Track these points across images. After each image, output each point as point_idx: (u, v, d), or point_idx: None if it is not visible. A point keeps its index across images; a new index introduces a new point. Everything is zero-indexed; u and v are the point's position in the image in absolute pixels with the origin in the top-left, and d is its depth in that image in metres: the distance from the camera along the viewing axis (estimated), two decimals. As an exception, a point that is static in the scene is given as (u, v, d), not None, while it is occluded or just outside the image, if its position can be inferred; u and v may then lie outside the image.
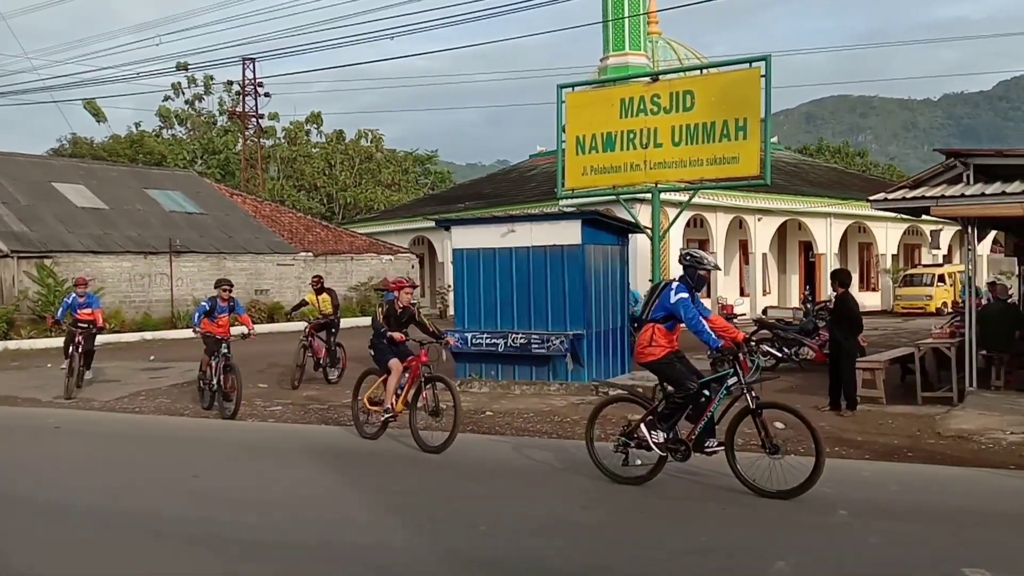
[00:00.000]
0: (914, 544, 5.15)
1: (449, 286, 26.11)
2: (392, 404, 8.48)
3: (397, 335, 8.60)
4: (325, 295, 13.74)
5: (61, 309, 13.52)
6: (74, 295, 13.41)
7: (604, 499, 6.37)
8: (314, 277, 14.18)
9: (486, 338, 12.10)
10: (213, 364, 10.78)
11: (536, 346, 11.83)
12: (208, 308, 11.11)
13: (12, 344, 21.21)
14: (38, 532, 5.80)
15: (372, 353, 8.82)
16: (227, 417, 10.41)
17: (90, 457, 8.66)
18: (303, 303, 14.19)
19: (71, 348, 12.69)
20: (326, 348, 13.51)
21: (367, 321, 29.43)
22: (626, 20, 33.39)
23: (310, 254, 30.22)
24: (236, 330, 11.38)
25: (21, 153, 30.17)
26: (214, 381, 10.74)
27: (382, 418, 8.58)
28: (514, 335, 11.98)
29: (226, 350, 10.70)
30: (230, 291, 11.31)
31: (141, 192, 29.72)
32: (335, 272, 30.50)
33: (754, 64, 10.87)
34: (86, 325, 13.04)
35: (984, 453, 7.59)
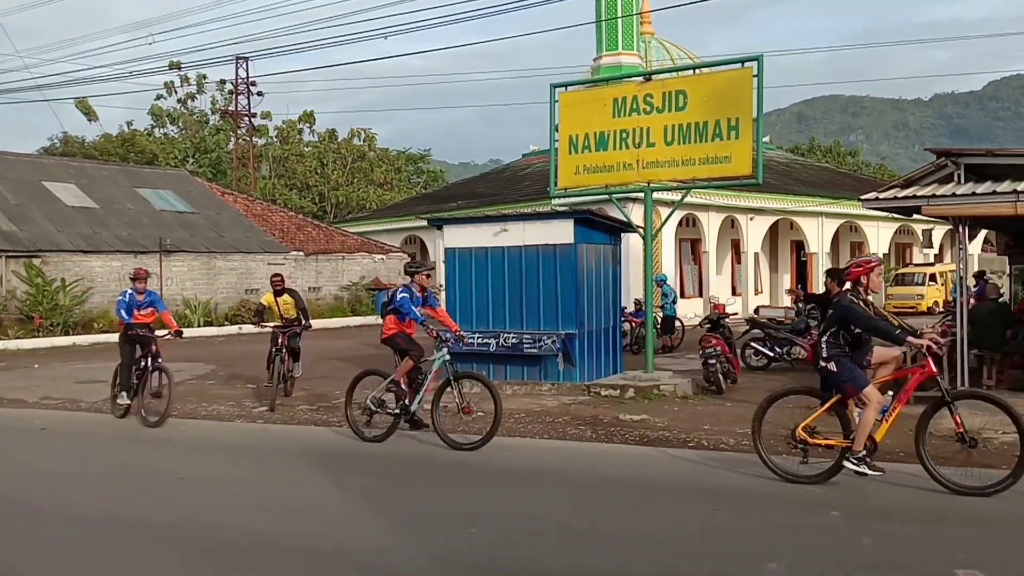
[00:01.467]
0: (906, 545, 5.13)
1: (441, 285, 26.07)
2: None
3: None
4: (287, 297, 11.79)
5: (121, 310, 10.32)
6: (131, 291, 10.44)
7: (595, 500, 6.34)
8: (274, 276, 12.12)
9: (478, 338, 12.05)
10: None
11: (528, 346, 11.80)
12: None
13: None
14: (22, 534, 5.73)
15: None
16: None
17: (76, 459, 8.58)
18: (262, 308, 11.97)
19: (141, 359, 10.38)
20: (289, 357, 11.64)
21: (360, 321, 29.30)
22: (619, 20, 33.37)
23: (301, 253, 30.12)
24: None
25: (11, 152, 30.02)
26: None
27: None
28: (506, 335, 11.95)
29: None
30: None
31: (132, 191, 29.57)
32: (326, 271, 30.42)
33: (746, 64, 10.84)
34: (143, 330, 10.39)
35: (976, 453, 7.57)
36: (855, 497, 6.23)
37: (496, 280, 12.21)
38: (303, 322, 11.78)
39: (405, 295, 8.72)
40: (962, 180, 10.29)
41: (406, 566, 4.97)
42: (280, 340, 11.46)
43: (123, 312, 10.34)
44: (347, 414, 8.92)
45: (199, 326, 25.48)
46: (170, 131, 53.22)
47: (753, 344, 14.63)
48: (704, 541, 5.28)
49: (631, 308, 17.79)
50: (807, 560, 4.93)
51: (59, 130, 75.00)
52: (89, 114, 50.12)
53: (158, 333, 10.49)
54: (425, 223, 18.93)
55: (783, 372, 13.69)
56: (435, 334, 8.64)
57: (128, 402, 10.35)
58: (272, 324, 11.74)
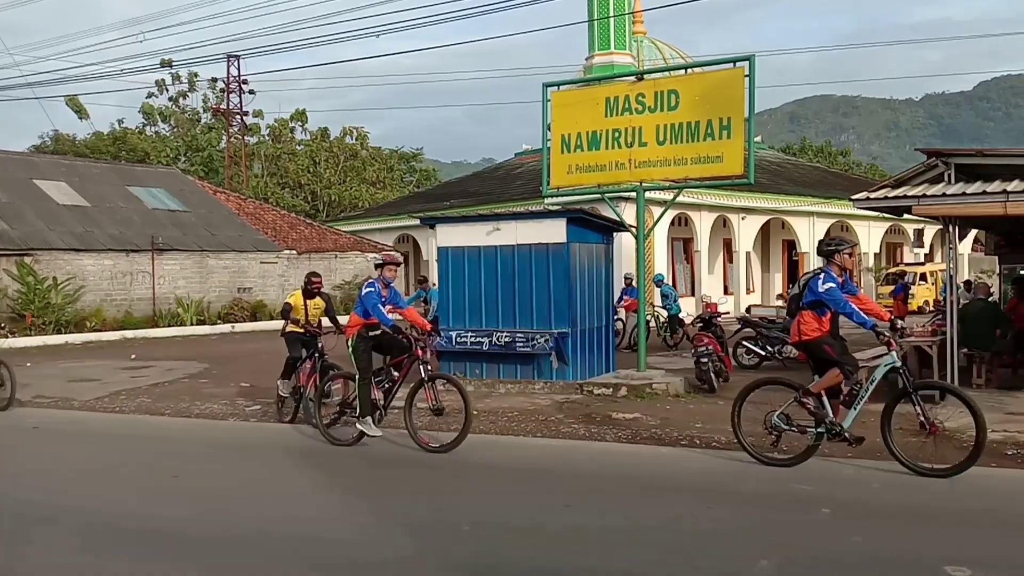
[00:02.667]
0: (897, 542, 5.17)
1: (434, 284, 26.07)
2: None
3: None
4: (319, 300, 10.12)
5: (378, 306, 8.20)
6: (376, 283, 8.41)
7: (587, 498, 6.37)
8: (312, 276, 10.18)
9: (471, 336, 12.07)
10: None
11: (521, 345, 11.82)
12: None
13: (-9, 342, 20.99)
14: (16, 533, 5.73)
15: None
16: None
17: (69, 458, 8.56)
18: (288, 308, 10.07)
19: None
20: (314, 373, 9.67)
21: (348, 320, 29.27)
22: (611, 20, 33.41)
23: (294, 252, 30.08)
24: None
25: (2, 150, 29.89)
26: None
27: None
28: (499, 333, 11.97)
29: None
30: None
31: (123, 189, 29.47)
32: (319, 270, 30.35)
33: (738, 64, 10.88)
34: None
35: (966, 451, 7.62)
36: (846, 495, 6.28)
37: (489, 279, 12.23)
38: (336, 330, 9.90)
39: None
40: (952, 180, 10.35)
41: (399, 565, 4.98)
42: (312, 353, 9.75)
43: (380, 310, 8.15)
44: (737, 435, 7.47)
45: (191, 325, 25.43)
46: (162, 129, 53.03)
47: (745, 343, 14.70)
48: (696, 538, 5.31)
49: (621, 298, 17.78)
50: (798, 557, 4.96)
51: (50, 128, 74.68)
52: (80, 112, 49.91)
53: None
54: (418, 222, 18.91)
55: (775, 371, 13.75)
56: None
57: (378, 433, 8.21)
58: (291, 329, 9.99)
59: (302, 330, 9.89)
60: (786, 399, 7.26)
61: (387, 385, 8.40)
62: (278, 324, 26.88)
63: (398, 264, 8.67)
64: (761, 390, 7.44)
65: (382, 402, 8.32)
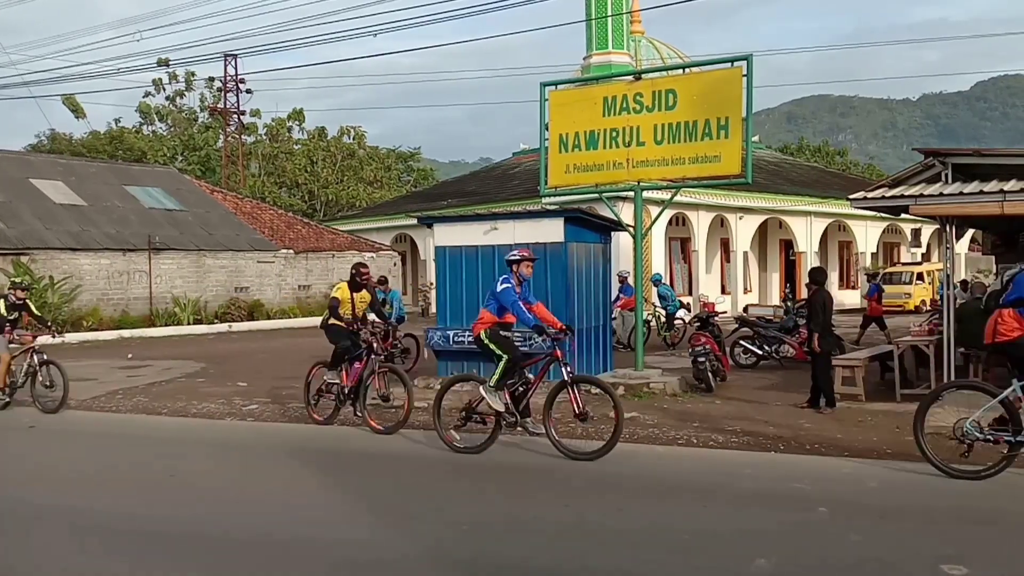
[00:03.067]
0: (894, 541, 5.18)
1: (431, 284, 26.06)
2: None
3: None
4: (365, 293, 9.54)
5: (518, 303, 7.84)
6: (511, 278, 8.02)
7: (586, 497, 6.37)
8: (361, 267, 9.56)
9: (468, 336, 12.04)
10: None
11: (518, 344, 11.80)
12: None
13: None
14: (10, 533, 5.72)
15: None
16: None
17: (65, 457, 8.55)
18: (336, 304, 9.41)
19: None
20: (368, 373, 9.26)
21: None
22: (609, 19, 33.41)
23: (291, 251, 30.05)
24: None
25: (-2, 149, 29.85)
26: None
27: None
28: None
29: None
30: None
31: (120, 189, 29.43)
32: (316, 269, 30.36)
33: (736, 63, 10.87)
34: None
35: (962, 450, 7.64)
36: (844, 494, 6.28)
37: (486, 279, 12.19)
38: (386, 326, 9.63)
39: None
40: (949, 180, 10.36)
41: (396, 563, 4.98)
42: (363, 350, 9.23)
43: (521, 308, 7.76)
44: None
45: (188, 324, 25.40)
46: (159, 128, 52.98)
47: (742, 342, 14.71)
48: (694, 538, 5.31)
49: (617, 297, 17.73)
50: (795, 556, 4.97)
51: (46, 127, 74.49)
52: (77, 111, 49.87)
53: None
54: (415, 221, 18.93)
55: (772, 370, 13.78)
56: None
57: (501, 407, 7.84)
58: (334, 322, 9.47)
59: (345, 325, 9.32)
60: (981, 403, 6.79)
61: (520, 388, 7.80)
62: (275, 323, 26.91)
63: (534, 260, 8.19)
64: (953, 392, 7.04)
65: (512, 407, 7.72)
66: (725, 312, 23.46)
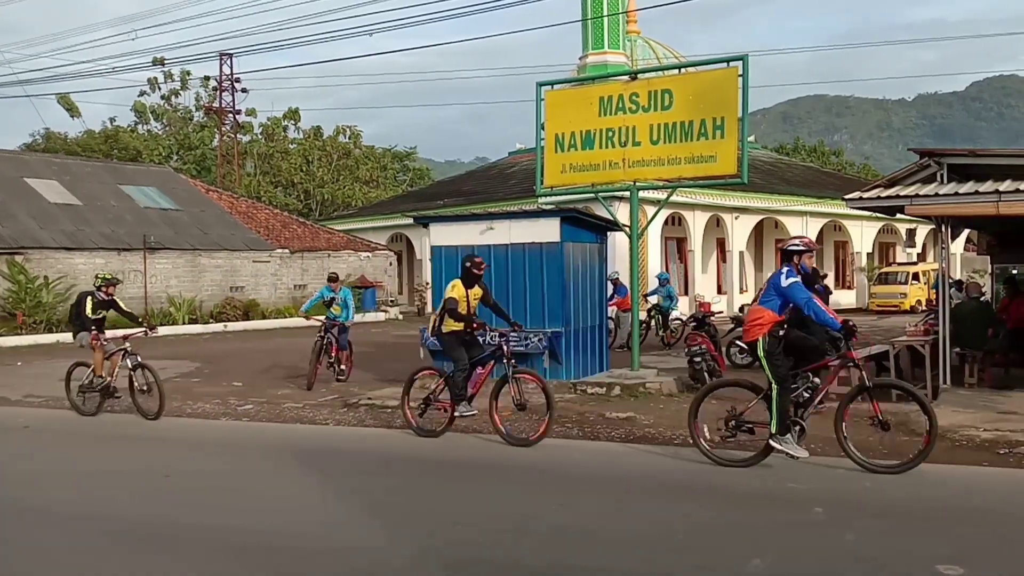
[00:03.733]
0: (889, 541, 5.18)
1: (427, 283, 26.04)
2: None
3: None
4: (478, 289, 8.83)
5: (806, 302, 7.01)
6: (794, 271, 7.12)
7: (580, 497, 6.36)
8: (476, 258, 8.84)
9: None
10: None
11: (514, 344, 11.78)
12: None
13: (-18, 342, 20.89)
14: (4, 533, 5.70)
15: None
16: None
17: (60, 457, 8.52)
18: (455, 303, 8.53)
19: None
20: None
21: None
22: (605, 19, 33.42)
23: (287, 251, 30.02)
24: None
25: (-8, 148, 29.77)
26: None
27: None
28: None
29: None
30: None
31: (115, 188, 29.37)
32: (312, 269, 30.31)
33: (731, 63, 10.88)
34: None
35: (958, 450, 7.66)
36: (839, 494, 6.28)
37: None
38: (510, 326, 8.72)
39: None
40: (945, 180, 10.38)
41: (389, 563, 4.97)
42: (489, 354, 8.61)
43: (820, 307, 6.93)
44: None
45: (183, 324, 25.34)
46: (154, 128, 52.88)
47: (738, 342, 14.69)
48: (689, 537, 5.31)
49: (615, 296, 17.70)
50: (791, 556, 4.96)
51: (41, 126, 74.36)
52: (71, 110, 49.75)
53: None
54: (411, 221, 18.91)
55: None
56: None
57: (803, 454, 7.19)
58: (450, 329, 8.64)
59: (462, 327, 8.50)
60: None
61: (805, 395, 7.05)
62: (271, 323, 26.72)
63: (814, 251, 7.49)
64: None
65: (795, 415, 7.03)
66: (721, 312, 23.48)
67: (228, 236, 29.21)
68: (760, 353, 6.99)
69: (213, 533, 5.59)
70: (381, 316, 29.76)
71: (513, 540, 5.33)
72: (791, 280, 6.87)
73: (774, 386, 6.88)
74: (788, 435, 6.87)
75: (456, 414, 8.50)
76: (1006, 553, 5.04)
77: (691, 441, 7.46)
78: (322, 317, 13.17)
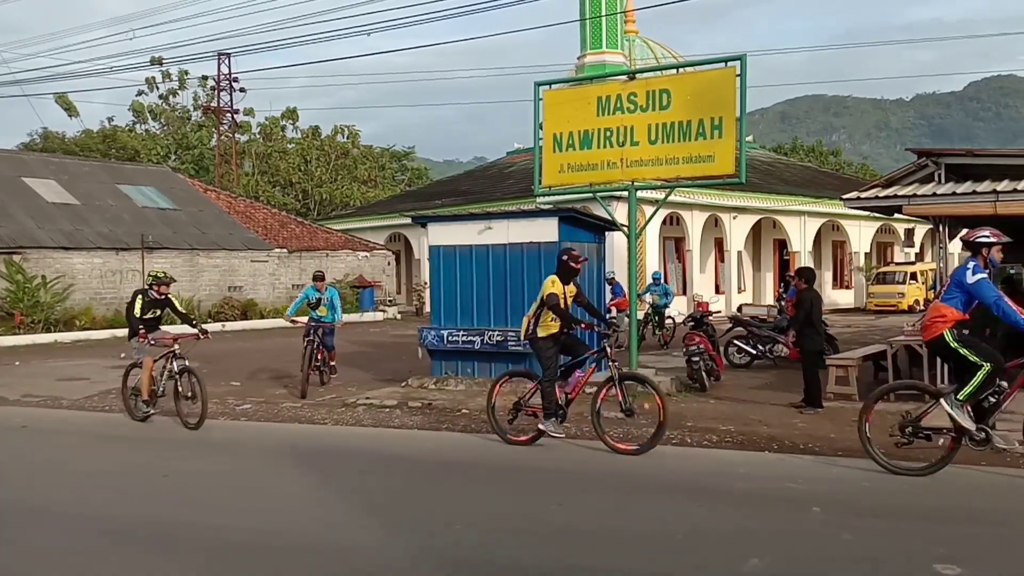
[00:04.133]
0: (888, 541, 5.19)
1: (425, 283, 26.02)
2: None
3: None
4: (573, 286, 8.32)
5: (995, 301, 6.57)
6: (979, 265, 6.58)
7: (580, 497, 6.37)
8: (573, 252, 8.34)
9: (462, 335, 12.05)
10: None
11: (513, 343, 11.80)
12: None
13: (-21, 341, 20.86)
14: (2, 533, 5.69)
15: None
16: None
17: (58, 457, 8.52)
18: (556, 300, 8.05)
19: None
20: None
21: (345, 318, 29.48)
22: (603, 19, 33.42)
23: (285, 250, 30.01)
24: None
25: (-10, 147, 29.74)
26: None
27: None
28: (490, 332, 11.95)
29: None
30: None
31: (113, 187, 29.34)
32: (310, 269, 30.23)
33: (729, 63, 10.87)
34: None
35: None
36: (837, 494, 6.29)
37: (481, 278, 12.21)
38: (598, 323, 8.44)
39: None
40: (943, 180, 10.40)
41: (389, 563, 4.97)
42: (594, 355, 8.16)
43: (1009, 307, 6.41)
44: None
45: (181, 323, 25.31)
46: (152, 127, 52.83)
47: (736, 342, 14.73)
48: (687, 537, 5.32)
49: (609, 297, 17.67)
50: (788, 555, 4.97)
51: (39, 126, 74.28)
52: (69, 110, 49.72)
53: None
54: (409, 220, 18.91)
55: (766, 370, 13.80)
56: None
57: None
58: (546, 334, 8.23)
59: (558, 328, 8.05)
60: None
61: (992, 400, 6.41)
62: (268, 323, 26.63)
63: (1007, 244, 6.66)
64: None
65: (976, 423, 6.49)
66: (719, 312, 23.50)
67: (226, 236, 29.20)
68: (952, 345, 6.37)
69: (213, 533, 5.60)
70: (379, 316, 29.77)
71: (513, 540, 5.33)
72: (978, 276, 6.23)
73: (985, 366, 6.22)
74: (966, 408, 6.26)
75: (540, 427, 7.84)
76: (1004, 553, 5.05)
77: (865, 450, 6.80)
78: (304, 319, 12.49)
